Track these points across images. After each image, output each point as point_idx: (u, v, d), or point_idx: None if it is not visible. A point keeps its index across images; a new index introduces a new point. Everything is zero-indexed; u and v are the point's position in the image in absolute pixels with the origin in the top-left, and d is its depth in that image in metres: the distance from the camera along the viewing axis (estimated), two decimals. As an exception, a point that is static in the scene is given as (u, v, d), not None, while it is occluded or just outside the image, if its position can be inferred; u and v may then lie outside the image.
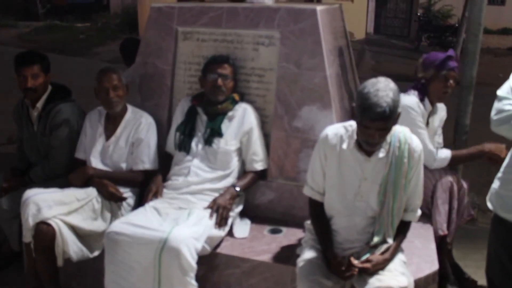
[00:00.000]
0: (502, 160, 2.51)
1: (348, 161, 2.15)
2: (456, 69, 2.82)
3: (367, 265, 2.05)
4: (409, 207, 2.20)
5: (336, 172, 2.18)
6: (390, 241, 2.15)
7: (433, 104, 2.91)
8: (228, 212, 2.60)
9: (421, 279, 2.37)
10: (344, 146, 2.15)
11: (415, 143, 2.14)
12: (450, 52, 2.86)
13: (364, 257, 2.10)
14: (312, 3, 3.55)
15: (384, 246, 2.13)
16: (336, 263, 2.08)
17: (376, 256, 2.09)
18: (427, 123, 2.92)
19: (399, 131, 2.14)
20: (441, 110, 3.06)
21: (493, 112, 1.97)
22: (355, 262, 2.05)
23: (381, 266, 2.08)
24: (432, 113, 2.93)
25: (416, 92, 2.87)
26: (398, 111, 2.01)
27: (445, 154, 2.86)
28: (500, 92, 1.97)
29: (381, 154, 2.10)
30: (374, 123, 1.94)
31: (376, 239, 2.13)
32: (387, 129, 2.00)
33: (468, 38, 3.48)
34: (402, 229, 2.21)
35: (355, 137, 2.12)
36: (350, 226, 2.19)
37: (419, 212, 2.24)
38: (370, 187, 2.14)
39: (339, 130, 2.19)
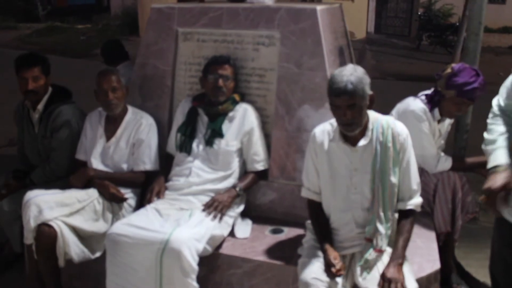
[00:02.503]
0: None
1: (337, 154, 2.19)
2: (477, 99, 2.69)
3: (399, 281, 1.97)
4: (405, 194, 2.18)
5: (327, 168, 2.21)
6: (382, 229, 2.12)
7: (442, 115, 2.85)
8: (225, 208, 2.60)
9: (423, 278, 2.37)
10: (331, 139, 2.20)
11: (400, 127, 2.16)
12: (479, 82, 2.66)
13: (366, 255, 2.09)
14: (312, 3, 3.55)
15: (379, 237, 2.11)
16: (328, 261, 2.07)
17: (390, 270, 2.01)
18: (439, 132, 2.89)
19: (382, 118, 2.18)
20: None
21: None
22: None
23: (401, 273, 2.02)
24: (441, 120, 2.89)
25: (425, 100, 2.80)
26: (368, 91, 2.07)
27: (447, 163, 2.84)
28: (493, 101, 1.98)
29: (364, 141, 2.13)
30: (339, 99, 2.02)
31: (367, 228, 2.14)
32: (356, 106, 2.03)
33: (468, 37, 3.47)
34: (405, 221, 2.16)
35: (339, 129, 2.16)
36: (349, 221, 2.20)
37: (418, 199, 2.20)
38: (362, 178, 2.16)
39: (326, 127, 2.25)
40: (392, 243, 2.15)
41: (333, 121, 2.23)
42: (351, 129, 2.10)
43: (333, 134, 2.20)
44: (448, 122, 2.98)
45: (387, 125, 2.15)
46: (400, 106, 2.87)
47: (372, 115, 2.18)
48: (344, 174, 2.19)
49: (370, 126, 2.15)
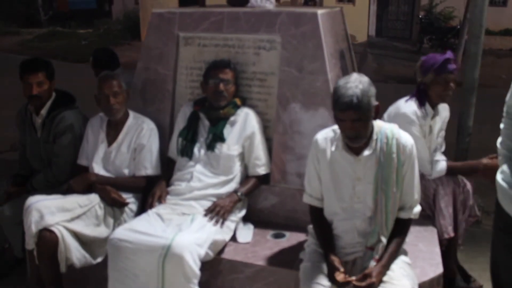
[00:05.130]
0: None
1: (339, 163, 2.16)
2: (456, 71, 2.75)
3: (370, 280, 1.98)
4: (406, 204, 2.17)
5: (330, 176, 2.19)
6: (385, 240, 2.12)
7: (434, 107, 2.85)
8: (227, 213, 2.59)
9: (425, 282, 2.36)
10: (333, 148, 2.17)
11: (405, 138, 2.14)
12: (449, 54, 2.77)
13: (366, 263, 2.09)
14: (313, 7, 3.56)
15: (381, 246, 2.11)
16: (334, 271, 2.05)
17: (373, 268, 2.04)
18: (430, 128, 2.88)
19: (386, 127, 2.15)
20: (444, 110, 3.00)
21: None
22: (360, 284, 1.99)
23: (382, 276, 2.03)
24: (434, 116, 2.88)
25: (415, 99, 2.79)
26: (373, 103, 2.03)
27: (441, 166, 2.82)
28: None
29: (367, 151, 2.11)
30: (344, 114, 1.99)
31: (370, 238, 2.13)
32: (362, 120, 2.00)
33: (469, 39, 3.47)
34: (401, 229, 2.17)
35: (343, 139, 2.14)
36: (351, 229, 2.18)
37: (418, 208, 2.20)
38: (365, 187, 2.14)
39: (328, 134, 2.22)
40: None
41: (336, 127, 2.20)
42: (356, 142, 2.07)
43: (336, 142, 2.17)
44: (440, 119, 2.95)
45: (391, 135, 2.12)
46: (391, 109, 2.86)
47: (376, 124, 2.15)
48: (346, 183, 2.16)
49: (374, 136, 2.12)
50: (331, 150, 2.17)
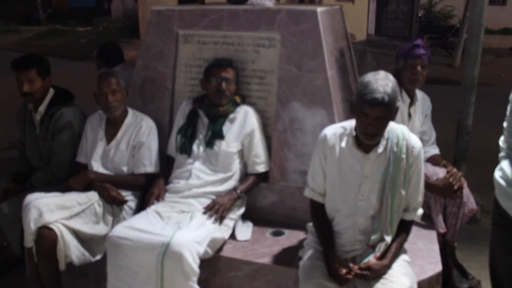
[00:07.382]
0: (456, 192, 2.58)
1: (348, 160, 2.15)
2: (424, 56, 2.85)
3: (366, 272, 2.03)
4: (410, 205, 2.18)
5: (336, 172, 2.18)
6: (388, 239, 2.13)
7: (410, 94, 2.91)
8: (226, 211, 2.59)
9: (424, 280, 2.36)
10: (343, 144, 2.16)
11: (414, 140, 2.15)
12: (418, 41, 2.92)
13: (365, 260, 2.09)
14: (312, 5, 3.55)
15: (383, 245, 2.11)
16: (335, 268, 2.06)
17: (376, 263, 2.06)
18: (409, 115, 2.92)
19: (397, 128, 2.16)
20: (423, 100, 3.04)
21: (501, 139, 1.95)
22: (355, 267, 2.04)
23: (381, 272, 2.06)
24: (412, 104, 2.93)
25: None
26: (397, 105, 2.03)
27: None
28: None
29: (379, 149, 2.10)
30: (373, 110, 1.96)
31: (373, 237, 2.13)
32: (386, 119, 2.00)
33: (469, 38, 3.46)
34: (403, 230, 2.18)
35: (353, 134, 2.13)
36: (352, 226, 2.18)
37: (420, 210, 2.22)
38: (371, 186, 2.14)
39: (337, 130, 2.21)
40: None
41: (345, 124, 2.20)
42: (373, 139, 2.07)
43: (346, 138, 2.16)
44: (420, 107, 2.99)
45: (402, 136, 2.13)
46: None
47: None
48: (353, 180, 2.16)
49: (385, 135, 2.11)
50: (341, 146, 2.16)
